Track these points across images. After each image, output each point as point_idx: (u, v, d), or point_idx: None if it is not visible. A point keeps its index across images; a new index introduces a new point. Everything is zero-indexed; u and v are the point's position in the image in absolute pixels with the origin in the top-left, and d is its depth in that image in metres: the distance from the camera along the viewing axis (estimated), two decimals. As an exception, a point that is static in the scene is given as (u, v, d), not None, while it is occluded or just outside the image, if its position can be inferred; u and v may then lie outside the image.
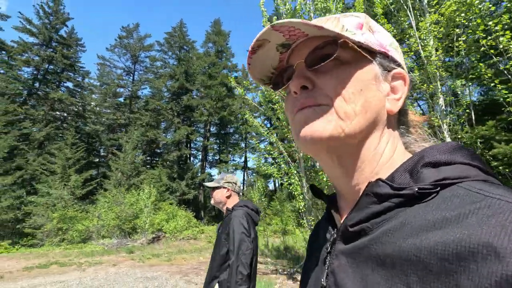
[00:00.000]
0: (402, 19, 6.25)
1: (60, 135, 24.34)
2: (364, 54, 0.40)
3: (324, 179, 5.73)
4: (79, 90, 28.43)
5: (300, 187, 6.46)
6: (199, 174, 28.20)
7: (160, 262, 9.30)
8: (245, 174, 36.00)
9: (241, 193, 2.27)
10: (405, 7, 6.18)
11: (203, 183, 2.28)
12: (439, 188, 0.32)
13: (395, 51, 0.44)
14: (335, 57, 0.39)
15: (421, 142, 0.45)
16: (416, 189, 0.32)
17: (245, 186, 37.33)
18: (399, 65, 0.43)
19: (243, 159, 35.83)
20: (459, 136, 5.22)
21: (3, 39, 23.95)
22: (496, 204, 0.26)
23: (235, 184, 2.21)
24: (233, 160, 35.40)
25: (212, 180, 2.29)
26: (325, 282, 0.39)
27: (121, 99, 30.84)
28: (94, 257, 10.90)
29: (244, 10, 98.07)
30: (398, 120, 0.45)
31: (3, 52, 25.48)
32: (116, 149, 26.50)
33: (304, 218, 6.73)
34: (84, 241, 15.63)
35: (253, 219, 1.97)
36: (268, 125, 37.00)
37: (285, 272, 7.68)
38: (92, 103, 29.06)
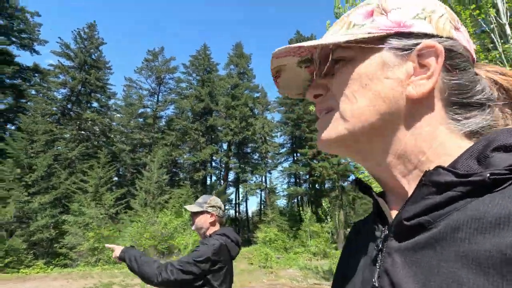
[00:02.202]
0: (485, 41, 6.46)
1: (84, 154, 24.74)
2: (367, 46, 0.37)
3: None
4: (105, 110, 29.29)
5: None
6: (222, 194, 28.11)
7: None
8: (263, 194, 35.74)
9: (224, 218, 2.10)
10: (487, 30, 6.40)
11: (184, 206, 2.10)
12: None
13: (424, 20, 0.36)
14: (340, 58, 0.39)
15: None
16: (488, 174, 0.27)
17: (262, 206, 36.99)
18: (432, 36, 0.36)
19: (262, 178, 35.73)
20: None
21: (37, 63, 25.31)
22: None
23: (220, 208, 2.01)
24: (252, 180, 35.34)
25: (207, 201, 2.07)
26: (377, 282, 0.35)
27: (141, 120, 31.54)
28: (145, 278, 10.69)
29: (264, 33, 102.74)
30: (449, 100, 0.37)
31: (36, 74, 26.77)
32: (140, 168, 26.73)
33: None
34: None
35: (230, 252, 1.83)
36: (289, 145, 37.25)
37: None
38: (113, 123, 29.78)
